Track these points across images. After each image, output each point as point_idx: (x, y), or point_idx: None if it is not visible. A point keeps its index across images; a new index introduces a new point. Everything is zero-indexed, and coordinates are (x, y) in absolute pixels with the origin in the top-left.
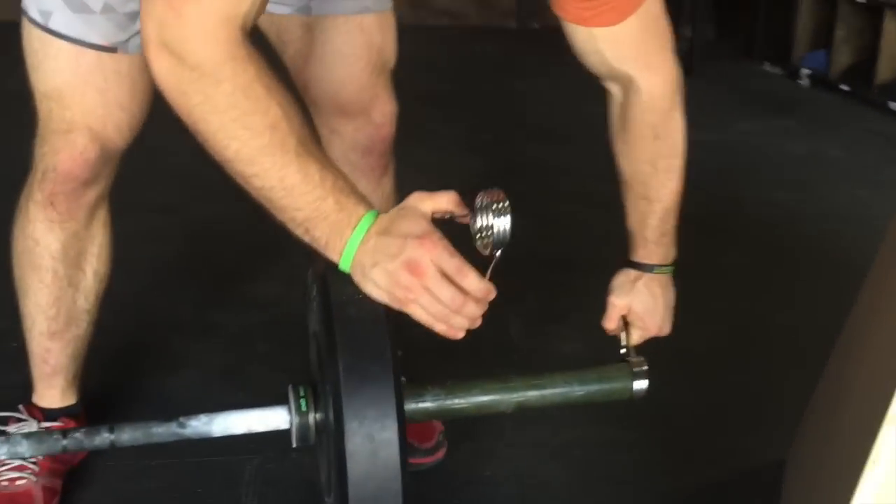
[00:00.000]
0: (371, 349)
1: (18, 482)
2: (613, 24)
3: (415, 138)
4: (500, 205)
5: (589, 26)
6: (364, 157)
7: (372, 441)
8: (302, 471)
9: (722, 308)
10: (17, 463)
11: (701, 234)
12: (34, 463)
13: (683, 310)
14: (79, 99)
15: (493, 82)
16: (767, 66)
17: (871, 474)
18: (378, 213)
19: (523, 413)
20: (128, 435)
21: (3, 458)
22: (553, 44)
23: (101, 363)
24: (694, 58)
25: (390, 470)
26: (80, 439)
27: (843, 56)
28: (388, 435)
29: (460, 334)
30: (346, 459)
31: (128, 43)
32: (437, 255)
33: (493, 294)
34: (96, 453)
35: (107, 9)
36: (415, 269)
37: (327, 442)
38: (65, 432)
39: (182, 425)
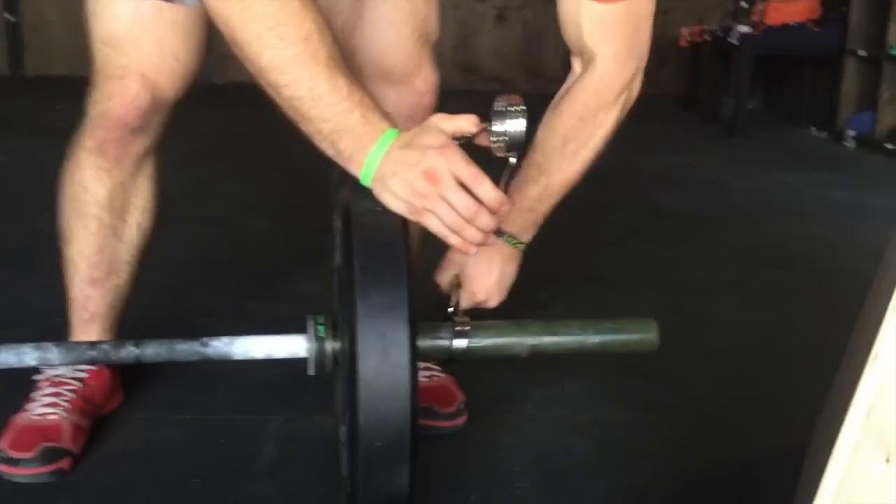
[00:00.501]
0: (387, 278)
1: (50, 416)
2: (604, 1)
3: None
4: (516, 108)
5: None
6: (405, 125)
7: (384, 363)
8: (323, 431)
9: (751, 319)
10: (50, 400)
11: (736, 260)
12: (66, 401)
13: (715, 320)
14: (135, 46)
15: None
16: (814, 131)
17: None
18: (401, 131)
19: (540, 370)
20: (152, 350)
21: (33, 363)
22: None
23: (136, 335)
24: (738, 123)
25: (400, 391)
26: (107, 350)
27: (887, 116)
28: (399, 358)
29: (473, 249)
30: (358, 380)
31: None
32: (455, 163)
33: (506, 205)
34: (125, 406)
35: None
36: (433, 176)
37: (343, 369)
38: (93, 343)
39: (205, 344)
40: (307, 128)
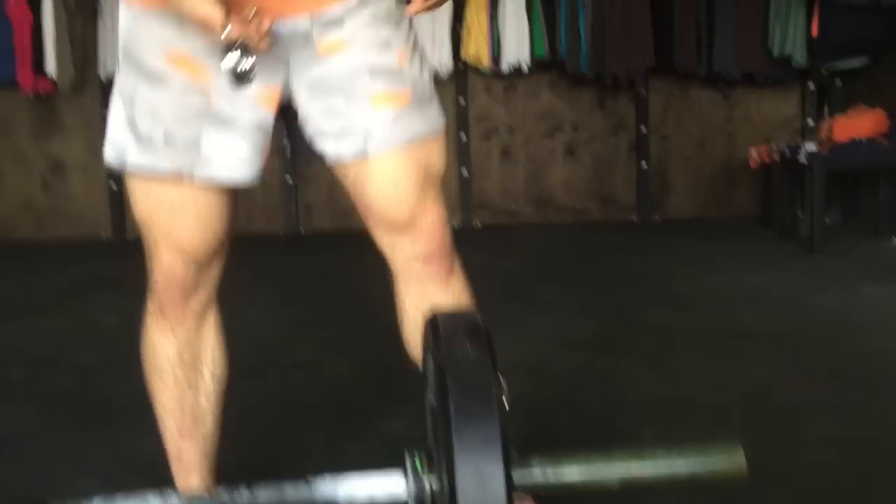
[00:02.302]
0: (481, 414)
1: None
2: None
3: (534, 308)
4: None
5: None
6: (426, 265)
7: (482, 497)
8: None
9: (844, 440)
10: None
11: (825, 379)
12: None
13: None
14: (156, 222)
15: (614, 261)
16: (895, 241)
17: None
18: None
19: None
20: (264, 493)
21: None
22: (675, 230)
23: (235, 475)
24: (816, 238)
25: None
26: (224, 496)
27: None
28: (497, 492)
29: None
30: None
31: (191, 169)
32: None
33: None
34: None
35: (168, 139)
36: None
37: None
38: (211, 490)
39: (310, 483)
40: None
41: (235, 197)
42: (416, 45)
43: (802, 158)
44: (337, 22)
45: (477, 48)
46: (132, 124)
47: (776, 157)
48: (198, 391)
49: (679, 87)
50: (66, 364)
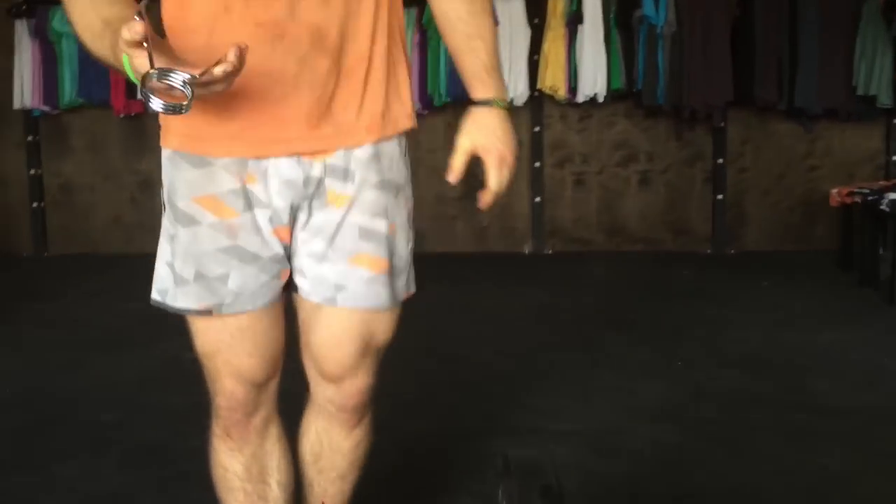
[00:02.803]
0: None
1: None
2: None
3: (601, 364)
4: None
5: None
6: (339, 412)
7: None
8: None
9: None
10: None
11: None
12: None
13: None
14: (215, 354)
15: (685, 308)
16: None
17: None
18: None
19: None
20: None
21: None
22: (748, 268)
23: None
24: None
25: None
26: None
27: None
28: None
29: None
30: None
31: (221, 306)
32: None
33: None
34: None
35: (198, 277)
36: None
37: None
38: None
39: None
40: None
41: (282, 318)
42: (409, 217)
43: (884, 206)
44: (347, 174)
45: (554, 79)
46: (171, 266)
47: (857, 199)
48: (267, 501)
49: (758, 118)
50: (154, 407)
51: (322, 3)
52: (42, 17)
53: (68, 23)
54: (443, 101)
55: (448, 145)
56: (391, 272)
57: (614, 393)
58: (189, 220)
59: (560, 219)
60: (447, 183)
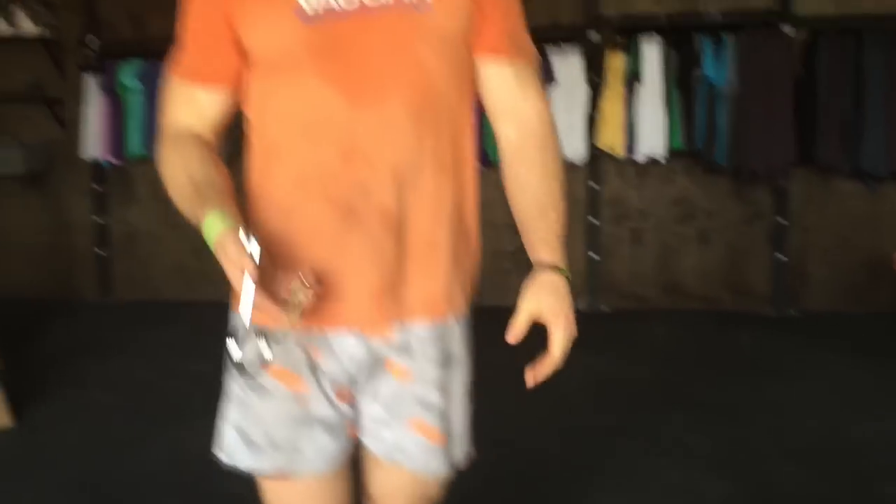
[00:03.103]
0: None
1: None
2: (520, 63)
3: (661, 450)
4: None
5: (504, 56)
6: None
7: None
8: None
9: None
10: None
11: None
12: None
13: None
14: None
15: (747, 384)
16: None
17: None
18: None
19: None
20: None
21: None
22: (811, 332)
23: None
24: None
25: None
26: None
27: None
28: None
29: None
30: None
31: (293, 471)
32: (242, 262)
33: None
34: None
35: (270, 442)
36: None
37: None
38: None
39: None
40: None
41: (350, 478)
42: (467, 389)
43: None
44: (408, 349)
45: (612, 137)
46: (240, 430)
47: None
48: None
49: (821, 177)
50: (219, 498)
51: (393, 185)
52: (111, 71)
53: (134, 78)
54: (498, 158)
55: (503, 200)
56: (448, 442)
57: (676, 490)
58: (262, 390)
59: (616, 275)
60: (502, 236)
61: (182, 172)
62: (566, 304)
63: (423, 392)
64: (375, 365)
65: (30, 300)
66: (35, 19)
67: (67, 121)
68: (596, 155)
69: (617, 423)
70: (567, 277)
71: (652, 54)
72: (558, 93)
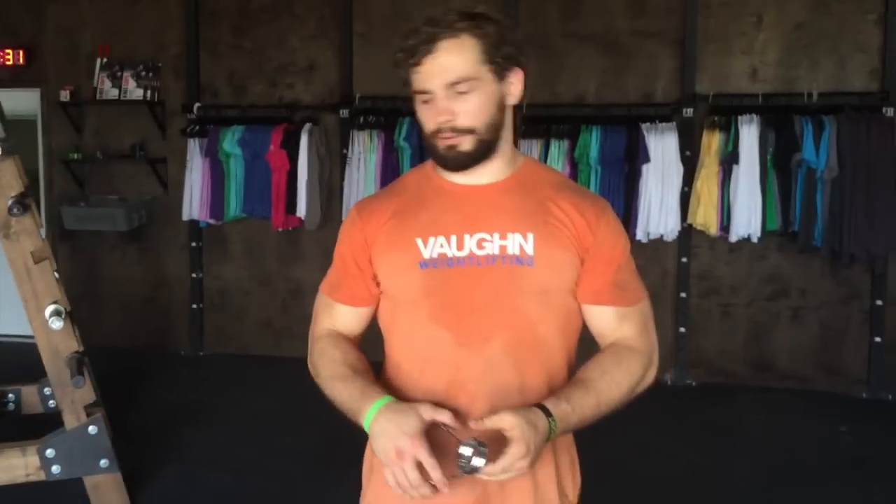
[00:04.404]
0: None
1: None
2: (623, 305)
3: None
4: (482, 448)
5: (608, 304)
6: None
7: None
8: None
9: None
10: None
11: None
12: None
13: None
14: None
15: (849, 489)
16: None
17: None
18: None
19: None
20: None
21: None
22: None
23: None
24: None
25: None
26: None
27: None
28: None
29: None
30: None
31: None
32: (419, 452)
33: (445, 488)
34: None
35: None
36: (400, 454)
37: None
38: None
39: None
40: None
41: None
42: None
43: None
44: None
45: (706, 216)
46: None
47: None
48: None
49: None
50: None
51: (489, 412)
52: (213, 138)
53: (235, 144)
54: None
55: None
56: None
57: None
58: None
59: (705, 350)
60: None
61: (340, 364)
62: (538, 442)
63: None
64: None
65: (126, 350)
66: (140, 83)
67: (168, 180)
68: (687, 227)
69: None
70: (555, 431)
71: (750, 134)
72: (653, 170)
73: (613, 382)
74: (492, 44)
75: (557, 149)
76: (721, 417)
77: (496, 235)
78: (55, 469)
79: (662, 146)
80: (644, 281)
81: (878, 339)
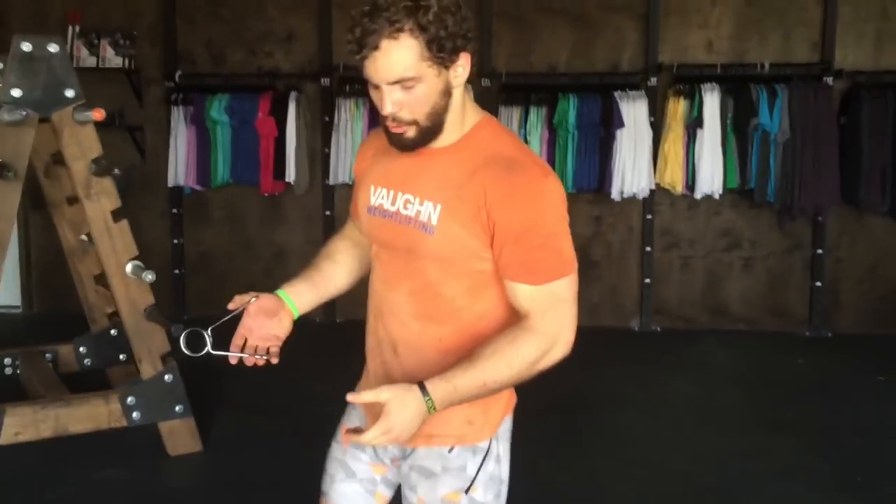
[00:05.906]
0: None
1: None
2: (534, 284)
3: (784, 474)
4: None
5: (517, 281)
6: None
7: None
8: None
9: None
10: None
11: None
12: None
13: None
14: None
15: (826, 406)
16: None
17: None
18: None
19: None
20: None
21: None
22: (848, 352)
23: None
24: None
25: None
26: None
27: None
28: None
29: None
30: None
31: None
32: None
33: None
34: None
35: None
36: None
37: None
38: None
39: None
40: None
41: None
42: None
43: None
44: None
45: (672, 176)
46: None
47: None
48: None
49: (855, 213)
50: None
51: (392, 342)
52: (199, 105)
53: (223, 112)
54: (568, 190)
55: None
56: None
57: None
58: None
59: (666, 299)
60: None
61: (321, 251)
62: (406, 420)
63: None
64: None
65: None
66: (119, 51)
67: (146, 147)
68: (652, 189)
69: (730, 446)
70: (430, 409)
71: (712, 101)
72: (626, 134)
73: (503, 363)
74: (432, 40)
75: (536, 115)
76: (692, 355)
77: (417, 200)
78: (135, 415)
79: (634, 112)
80: (612, 237)
81: (818, 284)
